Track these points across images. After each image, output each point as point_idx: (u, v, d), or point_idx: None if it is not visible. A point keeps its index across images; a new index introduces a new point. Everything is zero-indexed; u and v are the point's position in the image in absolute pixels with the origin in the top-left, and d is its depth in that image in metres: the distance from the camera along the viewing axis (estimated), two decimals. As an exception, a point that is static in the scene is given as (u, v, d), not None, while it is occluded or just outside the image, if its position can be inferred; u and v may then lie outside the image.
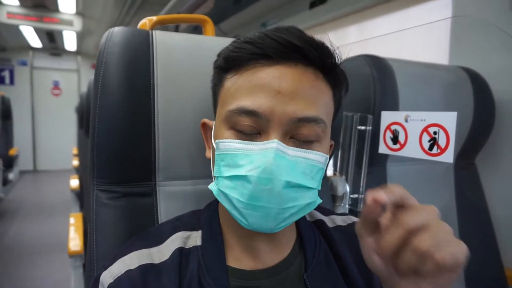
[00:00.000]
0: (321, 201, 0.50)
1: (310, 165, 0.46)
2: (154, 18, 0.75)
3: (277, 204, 0.44)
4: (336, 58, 0.49)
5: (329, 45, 0.48)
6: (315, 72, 0.47)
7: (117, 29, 0.63)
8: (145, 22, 0.75)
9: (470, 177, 1.20)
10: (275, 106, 0.44)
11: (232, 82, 0.49)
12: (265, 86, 0.45)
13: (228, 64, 0.50)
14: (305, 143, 0.47)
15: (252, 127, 0.46)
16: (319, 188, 0.50)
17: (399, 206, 0.39)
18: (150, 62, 0.62)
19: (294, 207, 0.46)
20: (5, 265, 2.67)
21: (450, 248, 0.35)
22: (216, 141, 0.49)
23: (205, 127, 0.58)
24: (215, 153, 0.49)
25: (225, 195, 0.47)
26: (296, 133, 0.46)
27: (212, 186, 0.50)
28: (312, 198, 0.48)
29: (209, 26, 0.80)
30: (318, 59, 0.47)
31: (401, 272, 0.38)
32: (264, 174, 0.43)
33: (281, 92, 0.45)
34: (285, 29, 0.47)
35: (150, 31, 0.65)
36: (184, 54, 0.65)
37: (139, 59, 0.62)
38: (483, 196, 1.20)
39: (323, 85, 0.48)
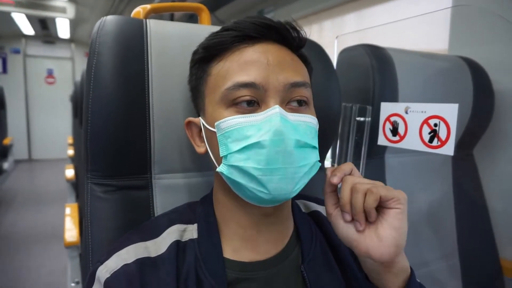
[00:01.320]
0: (321, 164, 0.53)
1: (308, 127, 0.49)
2: (148, 6, 0.73)
3: (292, 164, 0.46)
4: (303, 34, 0.54)
5: (296, 26, 0.53)
6: (288, 49, 0.53)
7: (109, 18, 0.61)
8: (139, 11, 0.73)
9: (468, 168, 1.20)
10: (269, 76, 0.48)
11: (219, 67, 0.51)
12: (255, 61, 0.48)
13: (210, 52, 0.52)
14: (298, 108, 0.50)
15: (252, 98, 0.48)
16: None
17: None
18: (144, 52, 0.61)
19: (306, 165, 0.48)
20: (1, 255, 2.67)
21: (385, 187, 0.46)
22: (216, 123, 0.49)
23: (190, 126, 0.58)
24: (218, 134, 0.49)
25: (239, 168, 0.47)
26: (291, 98, 0.49)
27: (221, 168, 0.49)
28: (317, 157, 0.51)
29: (205, 15, 0.78)
30: (290, 36, 0.52)
31: (357, 218, 0.47)
32: (276, 136, 0.45)
33: (270, 64, 0.48)
34: (257, 16, 0.52)
35: (144, 20, 0.63)
36: (179, 44, 0.64)
37: (132, 49, 0.60)
38: (481, 187, 1.20)
39: (298, 59, 0.54)
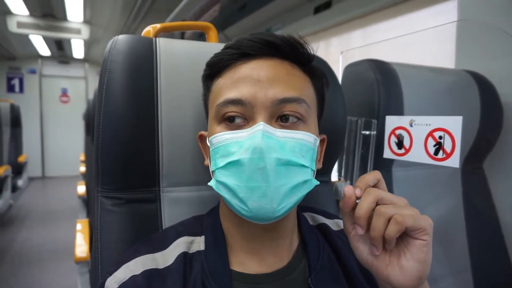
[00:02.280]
0: (318, 182, 0.51)
1: (299, 144, 0.48)
2: (158, 25, 0.75)
3: (272, 182, 0.45)
4: (309, 50, 0.53)
5: (300, 40, 0.52)
6: (291, 64, 0.52)
7: (121, 37, 0.64)
8: (149, 30, 0.76)
9: (478, 182, 1.18)
10: (256, 92, 0.47)
11: (217, 84, 0.53)
12: (245, 78, 0.49)
13: (212, 70, 0.54)
14: (291, 125, 0.49)
15: (239, 114, 0.48)
16: (314, 169, 0.51)
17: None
18: (153, 69, 0.63)
19: (286, 184, 0.46)
20: (14, 271, 2.69)
21: (412, 214, 0.42)
22: (209, 138, 0.51)
23: (202, 139, 0.60)
24: (210, 150, 0.51)
25: (224, 184, 0.48)
26: (280, 114, 0.48)
27: (211, 182, 0.51)
28: (307, 177, 0.49)
29: (213, 33, 0.80)
30: (292, 52, 0.51)
31: (375, 243, 0.44)
32: (254, 154, 0.45)
33: (260, 80, 0.48)
34: (260, 33, 0.52)
35: (153, 39, 0.66)
36: (187, 61, 0.66)
37: (142, 66, 0.62)
38: (491, 201, 1.18)
39: (300, 74, 0.53)
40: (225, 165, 0.47)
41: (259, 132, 0.45)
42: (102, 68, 0.62)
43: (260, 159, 0.45)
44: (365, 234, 0.46)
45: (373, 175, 0.47)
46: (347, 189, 0.46)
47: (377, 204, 0.44)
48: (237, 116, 0.48)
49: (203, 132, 0.59)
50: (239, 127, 0.49)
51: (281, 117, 0.49)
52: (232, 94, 0.48)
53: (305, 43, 0.53)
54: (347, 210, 0.47)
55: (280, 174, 0.46)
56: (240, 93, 0.48)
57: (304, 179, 0.48)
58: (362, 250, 0.47)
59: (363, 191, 0.45)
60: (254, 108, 0.48)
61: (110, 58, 0.62)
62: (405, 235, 0.44)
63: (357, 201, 0.46)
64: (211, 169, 0.51)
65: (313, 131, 0.51)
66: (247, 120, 0.49)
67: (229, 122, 0.49)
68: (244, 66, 0.50)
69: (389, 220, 0.42)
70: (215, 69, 0.53)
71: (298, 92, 0.50)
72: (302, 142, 0.48)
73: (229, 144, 0.48)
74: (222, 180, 0.48)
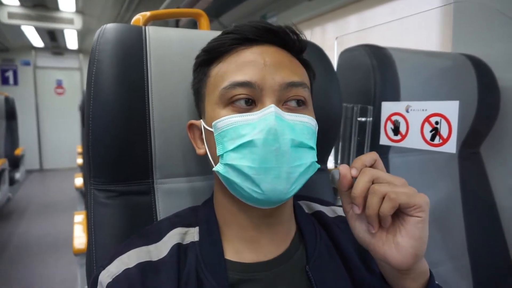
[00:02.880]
0: (319, 166, 0.52)
1: (306, 127, 0.49)
2: (148, 13, 0.74)
3: (286, 163, 0.46)
4: (302, 38, 0.54)
5: (296, 30, 0.53)
6: (288, 52, 0.53)
7: (109, 26, 0.62)
8: (139, 18, 0.74)
9: (475, 166, 1.18)
10: (265, 76, 0.48)
11: (218, 69, 0.52)
12: (251, 62, 0.49)
13: (211, 55, 0.53)
14: (295, 108, 0.50)
15: (248, 97, 0.48)
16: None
17: None
18: (143, 58, 0.62)
19: (301, 165, 0.48)
20: (13, 264, 2.70)
21: (406, 191, 0.42)
22: (213, 123, 0.49)
23: (192, 128, 0.59)
24: (215, 134, 0.49)
25: (234, 167, 0.47)
26: (287, 98, 0.49)
27: (217, 167, 0.50)
28: (314, 158, 0.50)
29: (204, 20, 0.78)
30: (290, 40, 0.52)
31: (370, 221, 0.45)
32: (269, 135, 0.45)
33: (267, 64, 0.49)
34: (258, 20, 0.53)
35: (143, 27, 0.64)
36: (178, 49, 0.65)
37: (132, 55, 0.61)
38: (489, 185, 1.18)
39: (298, 62, 0.54)
40: (236, 147, 0.46)
41: (272, 114, 0.46)
42: (90, 58, 0.61)
43: (275, 140, 0.45)
44: (362, 213, 0.46)
45: (370, 156, 0.47)
46: (342, 168, 0.47)
47: (373, 183, 0.44)
48: (246, 98, 0.48)
49: (193, 121, 0.58)
50: (248, 110, 0.48)
51: (286, 101, 0.50)
52: (239, 77, 0.48)
53: (300, 33, 0.54)
54: (344, 189, 0.47)
55: (294, 155, 0.47)
56: (249, 76, 0.48)
57: (312, 161, 0.50)
58: (359, 229, 0.48)
59: (359, 171, 0.46)
60: (263, 91, 0.48)
61: (98, 47, 0.60)
62: (401, 213, 0.44)
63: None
64: (218, 153, 0.49)
65: (313, 115, 0.53)
66: (255, 103, 0.49)
67: (238, 104, 0.49)
68: (248, 51, 0.50)
69: (383, 198, 0.43)
70: (214, 54, 0.53)
71: (301, 78, 0.51)
72: (307, 125, 0.49)
73: (239, 126, 0.47)
74: (232, 163, 0.47)
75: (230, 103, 0.49)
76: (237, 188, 0.48)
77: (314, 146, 0.51)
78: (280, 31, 0.51)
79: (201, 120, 0.56)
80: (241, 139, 0.46)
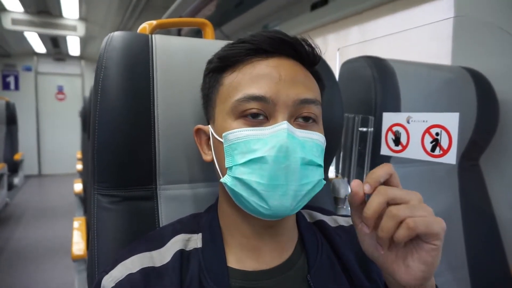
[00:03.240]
0: (325, 182, 0.52)
1: (315, 144, 0.49)
2: (154, 22, 0.75)
3: (295, 181, 0.46)
4: (317, 51, 0.54)
5: (312, 43, 0.53)
6: (303, 66, 0.53)
7: (116, 34, 0.63)
8: (145, 27, 0.75)
9: (474, 178, 1.19)
10: (279, 91, 0.48)
11: (232, 78, 0.51)
12: (267, 75, 0.49)
13: (224, 63, 0.53)
14: (307, 125, 0.50)
15: (261, 111, 0.48)
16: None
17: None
18: (149, 66, 0.62)
19: (309, 183, 0.48)
20: (11, 269, 2.68)
21: (425, 218, 0.39)
22: (224, 134, 0.49)
23: (199, 133, 0.58)
24: (224, 145, 0.49)
25: (243, 181, 0.47)
26: (299, 114, 0.49)
27: (225, 179, 0.50)
28: (321, 176, 0.50)
29: (209, 29, 0.80)
30: (305, 52, 0.52)
31: (381, 242, 0.43)
32: (280, 152, 0.45)
33: (282, 79, 0.48)
34: (273, 30, 0.52)
35: (149, 35, 0.65)
36: (183, 58, 0.65)
37: (138, 63, 0.62)
38: (488, 197, 1.19)
39: (311, 76, 0.54)
40: (246, 162, 0.46)
41: (284, 131, 0.46)
42: (97, 65, 0.62)
43: (286, 157, 0.45)
44: (372, 232, 0.45)
45: (385, 170, 0.43)
46: (354, 185, 0.44)
47: (388, 204, 0.42)
48: (259, 113, 0.48)
49: (201, 126, 0.58)
50: (259, 123, 0.48)
51: (298, 117, 0.49)
52: (253, 90, 0.48)
53: (315, 46, 0.54)
54: (355, 204, 0.45)
55: (302, 173, 0.46)
56: (263, 90, 0.47)
57: (320, 178, 0.50)
58: (369, 244, 0.47)
59: (373, 189, 0.43)
60: (277, 106, 0.47)
61: (105, 55, 0.61)
62: (416, 238, 0.42)
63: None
64: (226, 165, 0.49)
65: (322, 131, 0.53)
66: (267, 117, 0.48)
67: (251, 118, 0.48)
68: (263, 63, 0.50)
69: (400, 222, 0.40)
70: (228, 62, 0.52)
71: (314, 94, 0.51)
72: (317, 142, 0.50)
73: (250, 140, 0.47)
74: (241, 177, 0.47)
75: (242, 116, 0.49)
76: (243, 201, 0.48)
77: (322, 163, 0.51)
78: (296, 44, 0.51)
79: (209, 126, 0.56)
80: (252, 154, 0.46)
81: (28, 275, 2.60)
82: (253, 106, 0.48)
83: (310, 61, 0.53)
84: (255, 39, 0.50)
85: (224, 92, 0.52)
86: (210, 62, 0.56)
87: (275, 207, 0.46)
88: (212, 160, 0.55)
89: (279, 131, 0.46)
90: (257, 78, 0.49)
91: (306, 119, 0.50)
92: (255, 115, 0.48)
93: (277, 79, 0.48)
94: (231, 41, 0.56)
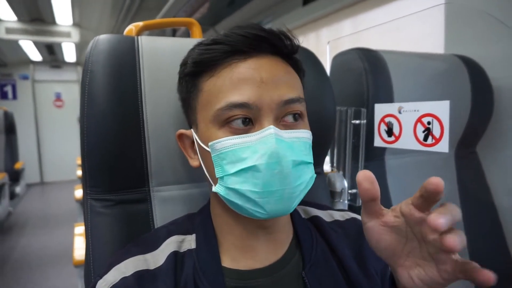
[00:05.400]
0: (315, 175, 0.52)
1: (303, 143, 0.49)
2: (140, 23, 0.75)
3: (289, 184, 0.46)
4: (295, 42, 0.52)
5: (288, 34, 0.51)
6: (283, 60, 0.51)
7: (102, 37, 0.63)
8: (131, 28, 0.75)
9: (472, 166, 1.18)
10: (262, 95, 0.46)
11: (211, 84, 0.49)
12: (248, 79, 0.47)
13: (201, 68, 0.50)
14: (292, 124, 0.49)
15: (245, 116, 0.47)
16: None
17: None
18: (136, 68, 0.62)
19: (302, 183, 0.48)
20: (15, 277, 2.69)
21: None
22: (210, 143, 0.48)
23: (182, 138, 0.57)
24: (212, 155, 0.48)
25: (236, 191, 0.46)
26: (284, 115, 0.48)
27: (217, 188, 0.49)
28: (312, 172, 0.51)
29: (196, 29, 0.79)
30: (283, 45, 0.51)
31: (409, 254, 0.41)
32: (271, 159, 0.44)
33: (264, 81, 0.47)
34: (246, 25, 0.50)
35: (135, 37, 0.65)
36: (171, 58, 0.65)
37: (125, 65, 0.62)
38: (486, 184, 1.18)
39: (292, 70, 0.52)
40: (237, 171, 0.46)
41: (272, 136, 0.45)
42: (83, 69, 0.61)
43: (277, 163, 0.44)
44: (383, 229, 0.42)
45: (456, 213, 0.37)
46: (362, 179, 0.40)
47: None
48: (243, 119, 0.47)
49: (183, 131, 0.57)
50: (245, 130, 0.47)
51: (283, 116, 0.49)
52: (235, 97, 0.46)
53: (293, 37, 0.52)
54: (366, 200, 0.42)
55: (295, 175, 0.46)
56: (246, 97, 0.46)
57: (311, 175, 0.50)
58: (376, 240, 0.44)
59: (447, 226, 0.35)
60: (261, 111, 0.46)
61: (91, 58, 0.61)
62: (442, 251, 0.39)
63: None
64: (217, 175, 0.48)
65: (308, 126, 0.52)
66: (252, 122, 0.47)
67: (235, 125, 0.47)
68: (242, 65, 0.48)
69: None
70: (204, 67, 0.50)
71: (297, 92, 0.50)
72: (304, 140, 0.49)
73: (238, 149, 0.46)
74: (234, 187, 0.46)
75: (226, 123, 0.47)
76: (238, 207, 0.48)
77: (312, 159, 0.50)
78: (273, 38, 0.49)
79: (192, 130, 0.55)
80: (242, 164, 0.45)
81: (33, 283, 2.60)
82: (237, 113, 0.46)
83: (289, 52, 0.52)
84: (230, 39, 0.48)
85: (204, 99, 0.50)
86: (184, 64, 0.54)
87: (272, 211, 0.46)
88: (200, 166, 0.54)
89: (267, 136, 0.45)
90: (237, 83, 0.47)
91: (292, 116, 0.49)
92: (239, 121, 0.47)
93: (258, 82, 0.47)
94: (203, 39, 0.53)
